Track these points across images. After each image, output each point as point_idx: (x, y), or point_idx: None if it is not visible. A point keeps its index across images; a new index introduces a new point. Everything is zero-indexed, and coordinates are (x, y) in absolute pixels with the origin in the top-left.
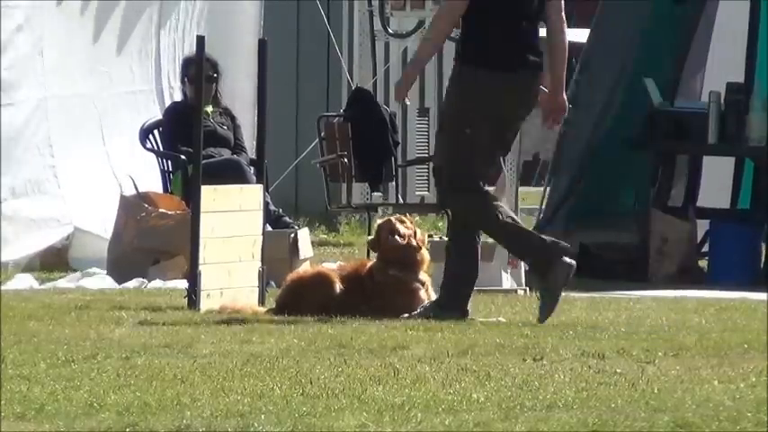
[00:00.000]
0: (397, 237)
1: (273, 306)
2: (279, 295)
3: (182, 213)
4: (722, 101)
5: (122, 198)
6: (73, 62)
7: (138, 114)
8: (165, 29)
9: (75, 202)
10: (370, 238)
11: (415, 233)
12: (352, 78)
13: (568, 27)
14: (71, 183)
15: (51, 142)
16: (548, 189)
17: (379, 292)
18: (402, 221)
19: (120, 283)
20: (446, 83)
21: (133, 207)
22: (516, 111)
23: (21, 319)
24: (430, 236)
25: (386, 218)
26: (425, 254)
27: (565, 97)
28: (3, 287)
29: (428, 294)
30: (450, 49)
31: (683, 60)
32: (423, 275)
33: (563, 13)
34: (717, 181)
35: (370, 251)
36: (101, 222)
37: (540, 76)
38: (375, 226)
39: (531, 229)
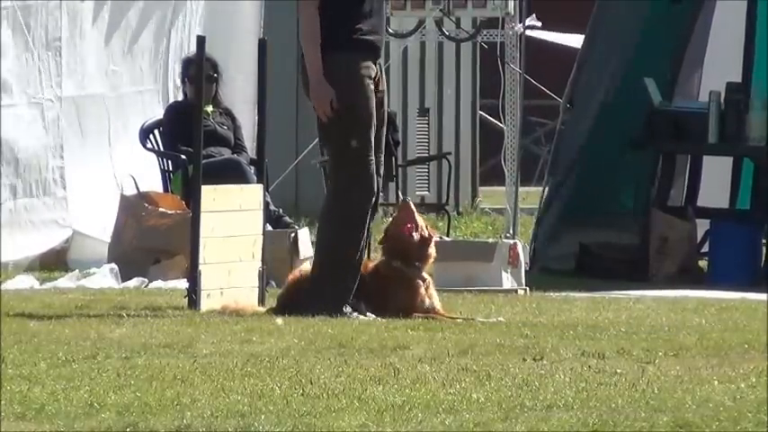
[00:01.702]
0: (414, 233)
1: (274, 305)
2: (280, 294)
3: (182, 213)
4: (722, 100)
5: (122, 198)
6: (87, 62)
7: (143, 114)
8: (175, 28)
9: (76, 204)
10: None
11: (426, 226)
12: None
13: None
14: (75, 185)
15: (63, 144)
16: (546, 189)
17: (381, 286)
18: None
19: (120, 282)
20: (446, 83)
21: (133, 206)
22: None
23: (21, 319)
24: None
25: (405, 205)
26: (432, 251)
27: (318, 86)
28: (3, 287)
29: (429, 293)
30: (450, 48)
31: (681, 60)
32: (425, 274)
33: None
34: (716, 181)
35: (373, 247)
36: (101, 225)
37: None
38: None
39: (532, 228)
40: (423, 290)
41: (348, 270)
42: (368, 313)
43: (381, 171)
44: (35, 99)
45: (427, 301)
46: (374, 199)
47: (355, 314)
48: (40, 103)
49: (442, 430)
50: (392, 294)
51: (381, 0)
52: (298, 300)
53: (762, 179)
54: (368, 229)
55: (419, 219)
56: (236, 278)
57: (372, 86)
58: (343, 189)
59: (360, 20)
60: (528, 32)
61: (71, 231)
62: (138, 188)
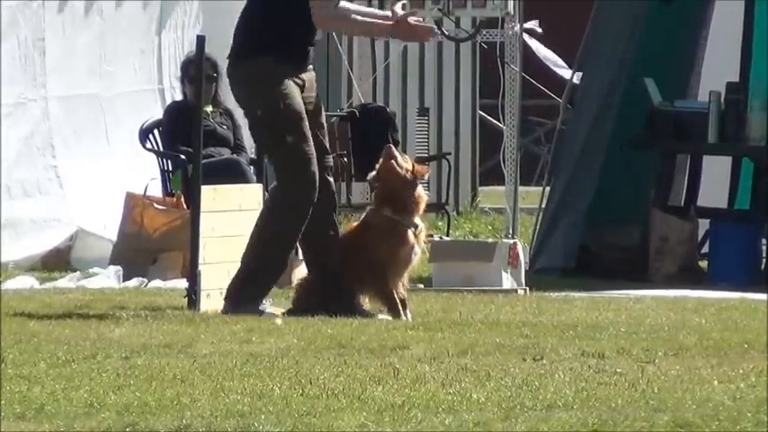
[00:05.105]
0: (395, 162)
1: (290, 307)
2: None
3: (181, 213)
4: (722, 100)
5: (127, 195)
6: (77, 62)
7: (140, 114)
8: (166, 28)
9: (77, 202)
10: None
11: (413, 168)
12: (351, 77)
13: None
14: (73, 183)
15: (53, 143)
16: (547, 189)
17: (369, 236)
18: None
19: (120, 282)
20: (446, 83)
21: (135, 205)
22: None
23: (21, 319)
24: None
25: (388, 149)
26: (423, 193)
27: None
28: (3, 287)
29: (419, 241)
30: (449, 47)
31: (681, 60)
32: (417, 219)
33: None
34: (716, 181)
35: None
36: (102, 223)
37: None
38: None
39: (534, 227)
40: (411, 237)
41: (277, 267)
42: (369, 312)
43: (330, 171)
44: (21, 98)
45: (416, 249)
46: (331, 196)
47: (270, 309)
48: (26, 102)
49: (442, 430)
50: (379, 243)
51: (309, 8)
52: (309, 303)
53: (762, 179)
54: (334, 231)
55: (403, 161)
56: None
57: (296, 89)
58: (286, 187)
59: (290, 25)
60: (526, 38)
61: (74, 229)
62: (145, 193)
